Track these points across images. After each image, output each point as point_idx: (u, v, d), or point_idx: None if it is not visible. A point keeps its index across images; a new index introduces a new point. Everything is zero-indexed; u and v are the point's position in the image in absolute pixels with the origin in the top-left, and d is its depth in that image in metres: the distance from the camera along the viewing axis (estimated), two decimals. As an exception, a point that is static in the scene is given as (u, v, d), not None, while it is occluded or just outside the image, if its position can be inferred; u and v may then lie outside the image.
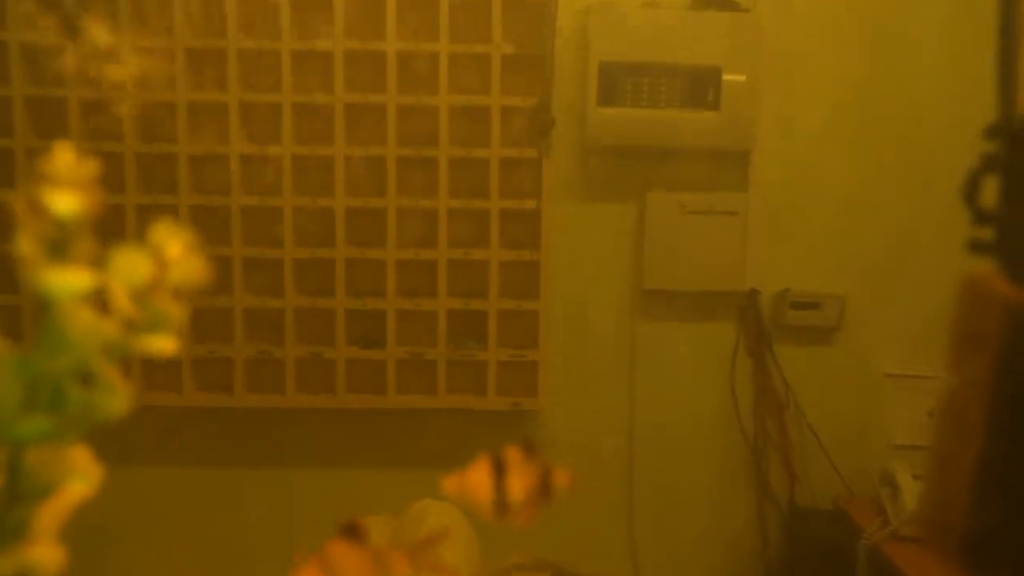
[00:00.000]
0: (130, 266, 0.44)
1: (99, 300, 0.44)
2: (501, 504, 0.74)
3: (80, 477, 0.46)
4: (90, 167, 0.44)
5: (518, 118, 2.34)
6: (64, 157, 0.44)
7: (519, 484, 0.74)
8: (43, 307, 0.44)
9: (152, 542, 2.45)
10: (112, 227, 0.49)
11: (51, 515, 0.46)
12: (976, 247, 0.80)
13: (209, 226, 2.32)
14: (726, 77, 2.34)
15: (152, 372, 2.34)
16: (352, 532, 0.80)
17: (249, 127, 2.32)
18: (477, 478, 0.75)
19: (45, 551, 0.45)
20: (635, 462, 2.49)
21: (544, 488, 0.74)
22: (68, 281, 0.43)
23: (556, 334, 2.41)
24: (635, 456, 2.49)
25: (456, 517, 1.69)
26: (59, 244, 0.44)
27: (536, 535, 2.04)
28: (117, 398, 0.45)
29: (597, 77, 2.33)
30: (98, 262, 0.44)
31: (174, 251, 0.45)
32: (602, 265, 2.46)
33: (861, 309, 2.47)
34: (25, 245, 0.43)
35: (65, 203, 0.43)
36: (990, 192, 0.78)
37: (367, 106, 2.33)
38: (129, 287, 0.44)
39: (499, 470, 0.75)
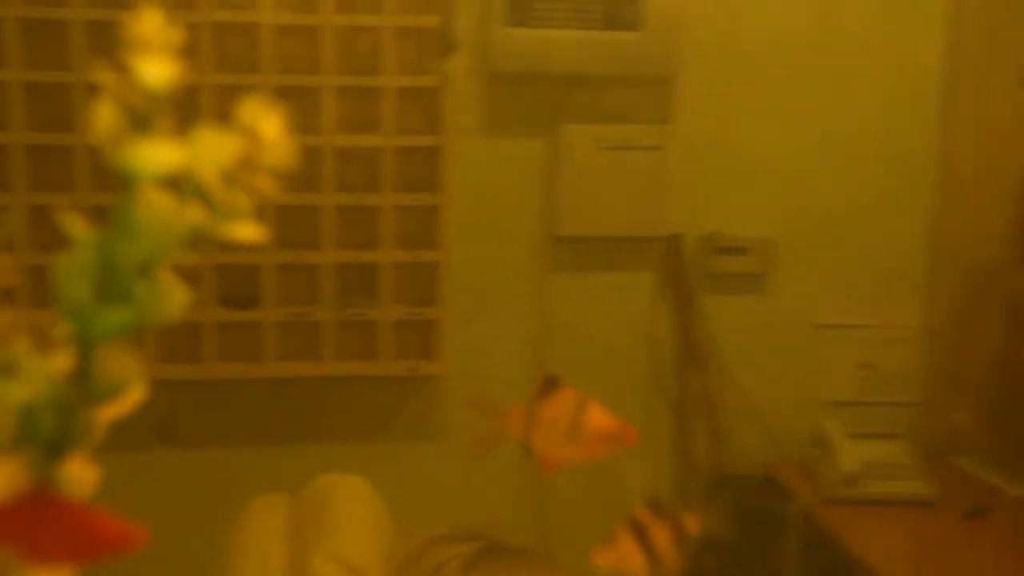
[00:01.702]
0: (214, 146, 0.44)
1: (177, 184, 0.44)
2: (655, 565, 0.91)
3: (137, 382, 0.46)
4: (177, 33, 0.44)
5: (415, 40, 2.07)
6: (152, 20, 0.44)
7: (663, 543, 0.91)
8: (122, 188, 0.43)
9: None
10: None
11: (105, 419, 0.46)
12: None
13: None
14: (648, -7, 2.14)
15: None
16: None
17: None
18: (625, 548, 0.93)
19: (81, 468, 0.46)
20: (547, 428, 2.30)
21: (681, 537, 0.92)
22: (155, 156, 0.43)
23: (458, 289, 2.20)
24: (547, 421, 2.30)
25: (366, 492, 1.61)
26: (144, 117, 0.44)
27: (445, 510, 1.83)
28: (178, 297, 0.45)
29: (505, -8, 2.10)
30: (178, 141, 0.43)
31: (270, 131, 0.45)
32: (510, 209, 2.26)
33: (792, 254, 2.35)
34: (105, 117, 0.43)
35: (157, 71, 0.43)
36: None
37: (237, 26, 2.03)
38: (214, 168, 0.44)
39: (639, 532, 0.92)
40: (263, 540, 1.54)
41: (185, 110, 0.45)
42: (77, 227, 0.44)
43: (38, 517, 0.69)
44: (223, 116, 0.46)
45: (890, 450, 2.30)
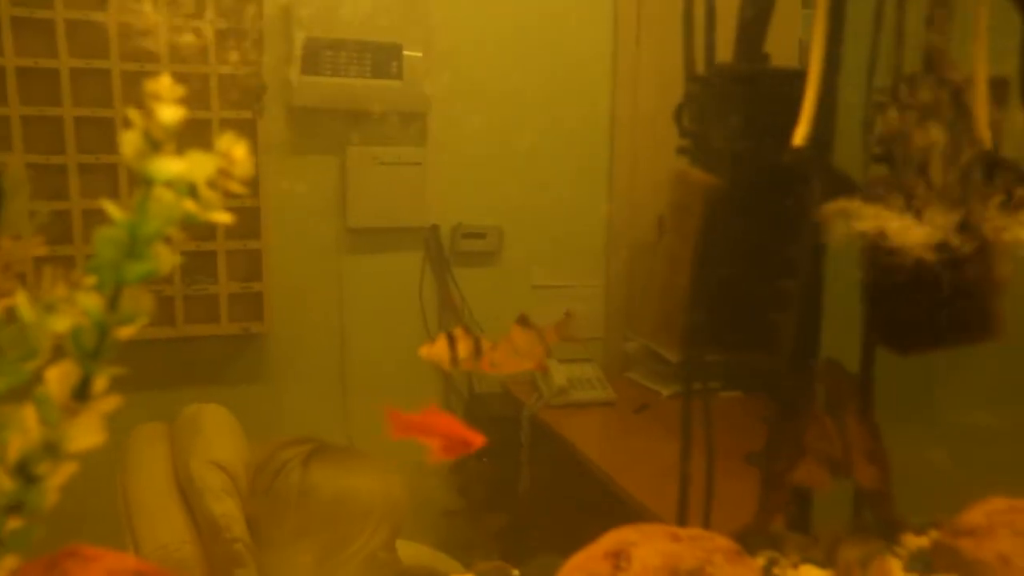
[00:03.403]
0: (203, 162, 0.54)
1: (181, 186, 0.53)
2: (455, 362, 1.13)
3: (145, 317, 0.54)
4: (181, 89, 0.54)
5: (234, 84, 2.57)
6: (165, 81, 0.54)
7: (464, 351, 1.13)
8: (143, 185, 0.53)
9: None
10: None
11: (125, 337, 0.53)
12: (682, 151, 1.07)
13: None
14: (406, 53, 2.71)
15: None
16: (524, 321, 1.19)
17: None
18: (439, 346, 1.14)
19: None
20: (347, 369, 2.79)
21: (478, 351, 1.14)
22: (166, 167, 0.53)
23: (277, 268, 2.62)
24: (346, 365, 2.79)
25: (225, 415, 1.80)
26: (158, 143, 0.53)
27: (275, 433, 1.89)
28: (169, 258, 0.56)
29: (301, 50, 2.62)
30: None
31: (239, 153, 0.55)
32: (313, 209, 2.70)
33: (515, 236, 2.90)
34: (133, 141, 0.53)
35: (170, 114, 0.53)
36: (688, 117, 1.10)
37: (93, 71, 2.46)
38: (202, 176, 0.54)
39: (452, 340, 1.15)
40: (150, 454, 1.72)
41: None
42: (114, 211, 0.52)
43: (430, 422, 0.94)
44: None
45: (585, 370, 2.79)
